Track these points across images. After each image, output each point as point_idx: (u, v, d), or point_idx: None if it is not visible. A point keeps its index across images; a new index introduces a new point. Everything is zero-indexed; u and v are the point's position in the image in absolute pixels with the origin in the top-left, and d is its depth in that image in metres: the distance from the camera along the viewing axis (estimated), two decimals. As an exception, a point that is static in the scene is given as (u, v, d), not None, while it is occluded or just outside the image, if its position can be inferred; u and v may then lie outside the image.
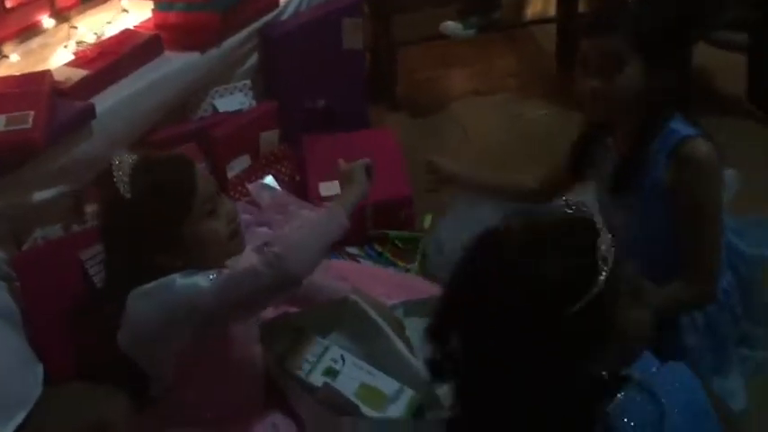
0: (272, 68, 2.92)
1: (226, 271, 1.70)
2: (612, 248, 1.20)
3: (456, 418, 1.33)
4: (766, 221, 2.13)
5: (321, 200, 2.73)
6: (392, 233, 2.79)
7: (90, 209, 2.39)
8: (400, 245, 2.82)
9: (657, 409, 1.26)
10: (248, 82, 2.86)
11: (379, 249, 2.80)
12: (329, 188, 2.77)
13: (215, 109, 2.77)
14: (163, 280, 1.66)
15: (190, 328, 1.66)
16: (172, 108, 2.65)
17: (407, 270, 2.68)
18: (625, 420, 1.26)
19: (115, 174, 1.67)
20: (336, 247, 2.72)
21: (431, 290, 2.34)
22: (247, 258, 1.88)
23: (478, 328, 1.25)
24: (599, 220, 1.24)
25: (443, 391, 1.93)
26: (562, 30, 3.85)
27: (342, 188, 1.85)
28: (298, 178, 2.88)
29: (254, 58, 2.88)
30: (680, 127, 1.88)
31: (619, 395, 1.27)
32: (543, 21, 4.10)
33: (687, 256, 1.94)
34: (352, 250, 2.77)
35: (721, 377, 2.08)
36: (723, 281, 2.01)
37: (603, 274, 1.17)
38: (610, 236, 1.22)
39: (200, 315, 1.64)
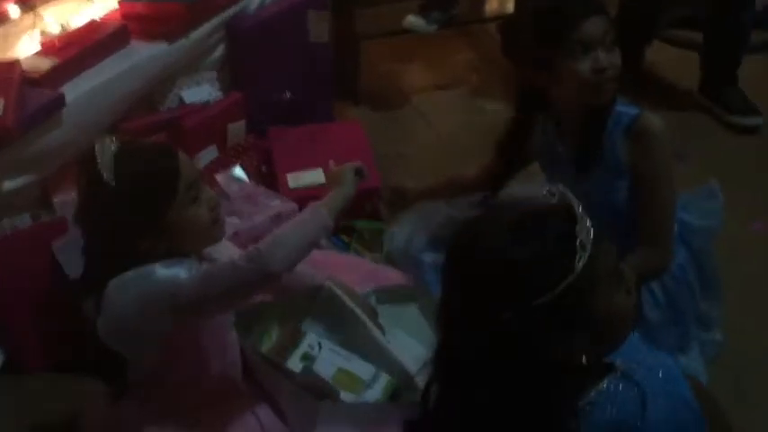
0: (238, 60, 2.92)
1: (206, 264, 1.72)
2: (591, 235, 1.22)
3: (433, 409, 1.36)
4: (710, 193, 2.22)
5: (290, 191, 2.76)
6: (359, 223, 2.81)
7: (58, 199, 2.39)
8: (366, 235, 2.84)
9: (639, 397, 1.27)
10: (214, 73, 2.86)
11: (346, 240, 2.82)
12: (297, 179, 2.80)
13: (182, 100, 2.77)
14: (143, 269, 1.67)
15: (170, 317, 1.67)
16: (139, 98, 2.63)
17: (375, 259, 2.70)
18: (607, 408, 1.27)
19: (99, 159, 1.67)
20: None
21: (400, 278, 2.37)
22: (224, 247, 1.91)
23: (462, 319, 1.28)
24: (578, 208, 1.26)
25: (421, 378, 1.98)
26: (504, 24, 3.90)
27: (330, 189, 1.87)
28: (264, 169, 2.89)
29: (220, 50, 2.88)
30: (625, 108, 2.00)
31: (602, 383, 1.29)
32: (503, 17, 4.16)
33: (645, 225, 2.03)
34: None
35: (682, 355, 2.16)
36: (678, 255, 2.10)
37: (581, 260, 1.19)
38: (589, 223, 1.24)
39: (179, 306, 1.65)
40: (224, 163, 2.75)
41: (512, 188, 2.54)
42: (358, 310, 2.06)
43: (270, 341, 1.96)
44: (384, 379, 1.94)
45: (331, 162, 1.91)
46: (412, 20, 3.71)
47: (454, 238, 1.32)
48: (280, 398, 1.88)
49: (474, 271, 1.25)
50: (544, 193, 1.28)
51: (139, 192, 1.67)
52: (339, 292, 2.08)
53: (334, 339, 2.05)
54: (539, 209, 1.27)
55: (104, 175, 1.66)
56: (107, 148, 1.69)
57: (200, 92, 2.80)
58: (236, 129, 2.81)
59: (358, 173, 1.90)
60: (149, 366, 1.80)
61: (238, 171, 2.73)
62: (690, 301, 2.17)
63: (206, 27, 2.78)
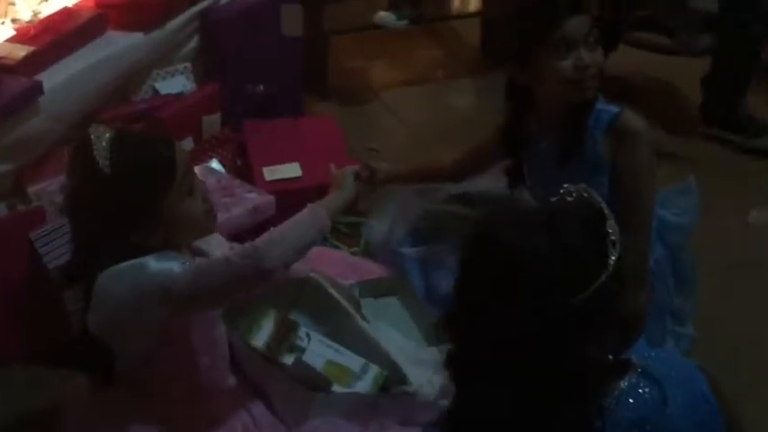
0: (212, 52, 2.90)
1: (199, 258, 1.70)
2: (619, 234, 1.22)
3: (456, 407, 1.33)
4: (687, 190, 2.27)
5: (266, 184, 2.75)
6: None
7: (33, 188, 2.34)
8: (344, 229, 2.85)
9: (660, 395, 1.27)
10: (189, 65, 2.84)
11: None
12: (273, 173, 2.79)
13: (156, 91, 2.74)
14: (136, 261, 1.64)
15: (162, 310, 1.66)
16: (115, 88, 2.60)
17: (353, 253, 2.71)
18: (629, 405, 1.26)
19: (95, 147, 1.64)
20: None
21: (381, 271, 2.38)
22: (215, 240, 1.89)
23: (487, 319, 1.24)
24: (605, 206, 1.25)
25: (410, 370, 1.99)
26: (486, 23, 3.94)
27: (331, 191, 1.87)
28: (239, 162, 2.88)
29: (194, 41, 2.86)
30: (605, 106, 2.03)
31: (622, 380, 1.28)
32: (470, 15, 4.20)
33: (624, 222, 2.05)
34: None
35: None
36: (655, 251, 2.15)
37: (614, 258, 1.19)
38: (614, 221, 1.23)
39: (172, 299, 1.63)
40: (199, 155, 2.73)
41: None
42: (344, 302, 2.06)
43: (258, 333, 1.95)
44: (373, 370, 1.94)
45: (331, 165, 1.90)
46: (383, 15, 3.72)
47: (476, 237, 1.27)
48: (271, 390, 1.87)
49: (504, 270, 1.21)
50: (561, 191, 1.28)
51: (136, 180, 1.65)
52: (325, 283, 2.08)
53: (321, 330, 2.04)
54: (564, 206, 1.26)
55: (100, 162, 1.63)
56: (102, 136, 1.66)
57: (175, 83, 2.77)
58: (212, 121, 2.79)
59: (357, 175, 1.89)
60: (138, 359, 1.77)
61: (215, 164, 2.71)
62: (667, 296, 2.22)
63: (181, 18, 2.76)
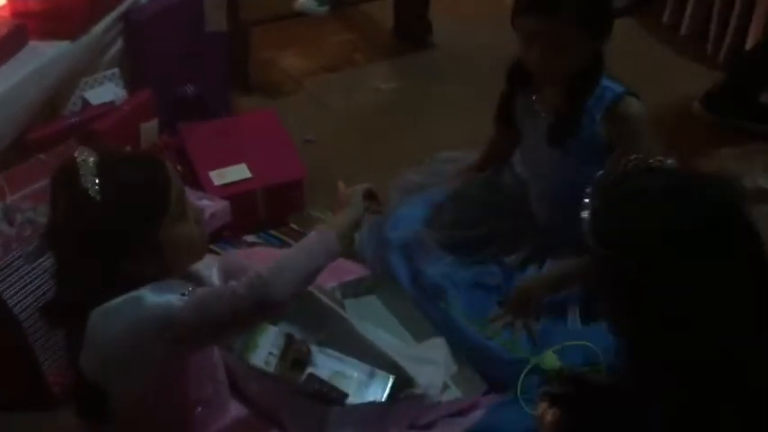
0: (138, 55, 2.74)
1: (201, 289, 1.57)
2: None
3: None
4: None
5: (216, 189, 2.62)
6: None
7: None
8: (296, 227, 2.75)
9: None
10: (117, 70, 2.66)
11: (276, 234, 2.72)
12: (222, 176, 2.66)
13: (86, 102, 2.56)
14: (130, 296, 1.51)
15: (162, 347, 1.52)
16: (43, 103, 2.42)
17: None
18: None
19: (81, 172, 1.50)
20: (232, 239, 2.63)
21: (358, 270, 2.31)
22: (205, 261, 1.76)
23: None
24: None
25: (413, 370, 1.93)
26: (399, 6, 3.87)
27: (337, 211, 1.74)
28: (181, 169, 2.72)
29: (119, 45, 2.69)
30: (611, 84, 1.99)
31: None
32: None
33: None
34: (250, 238, 2.67)
35: None
36: None
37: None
38: None
39: (173, 336, 1.50)
40: (141, 166, 2.57)
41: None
42: (334, 306, 1.98)
43: (256, 351, 1.85)
44: (380, 376, 1.88)
45: (340, 183, 1.77)
46: (303, 2, 3.61)
47: (608, 211, 1.26)
48: (282, 410, 1.77)
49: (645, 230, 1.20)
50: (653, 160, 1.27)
51: (129, 205, 1.52)
52: (313, 289, 1.99)
53: (314, 339, 1.96)
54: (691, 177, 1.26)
55: (88, 188, 1.49)
56: (88, 159, 1.52)
57: (105, 91, 2.60)
58: (149, 129, 2.63)
59: (368, 195, 1.76)
60: (135, 397, 1.63)
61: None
62: None
63: (105, 21, 2.58)
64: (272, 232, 2.71)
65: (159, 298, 1.51)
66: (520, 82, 2.10)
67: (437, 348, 2.07)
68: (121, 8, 2.65)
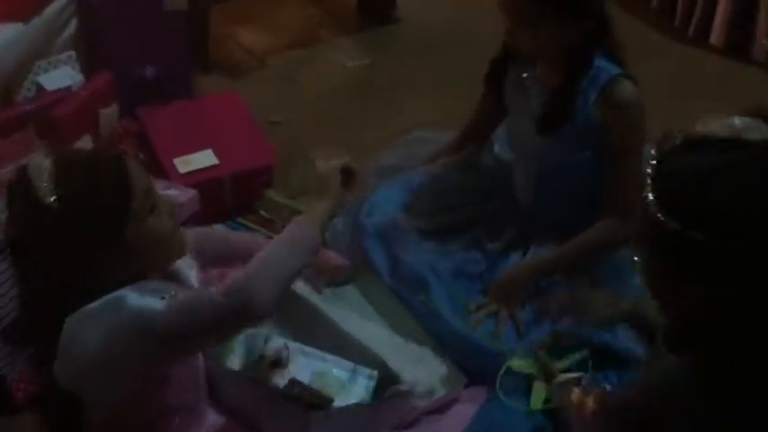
0: (94, 37, 2.61)
1: (181, 294, 1.48)
2: None
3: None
4: None
5: (182, 177, 2.50)
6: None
7: None
8: (265, 214, 2.65)
9: None
10: (73, 53, 2.53)
11: (245, 222, 2.61)
12: (187, 164, 2.54)
13: (41, 87, 2.43)
14: (109, 299, 1.43)
15: (144, 351, 1.44)
16: (-2, 89, 2.30)
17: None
18: None
19: (34, 181, 1.40)
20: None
21: (336, 259, 2.21)
22: (189, 263, 1.67)
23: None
24: None
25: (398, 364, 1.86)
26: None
27: (315, 197, 1.63)
28: (143, 156, 2.61)
29: (73, 26, 2.56)
30: (606, 65, 1.93)
31: None
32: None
33: (608, 194, 1.98)
34: (218, 228, 2.57)
35: None
36: None
37: None
38: None
39: (156, 342, 1.42)
40: (102, 154, 2.45)
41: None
42: (313, 299, 1.89)
43: (232, 354, 1.76)
44: (364, 374, 1.80)
45: (316, 159, 1.65)
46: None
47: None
48: (262, 416, 1.68)
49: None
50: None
51: (89, 209, 1.42)
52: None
53: (290, 334, 1.87)
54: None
55: (44, 197, 1.39)
56: (41, 166, 1.42)
57: (61, 76, 2.48)
58: (109, 114, 2.51)
59: (346, 172, 1.65)
60: (114, 405, 1.54)
61: (123, 162, 2.44)
62: None
63: (59, 1, 2.45)
64: (241, 220, 2.60)
65: (139, 301, 1.43)
66: (513, 53, 2.02)
67: (424, 346, 2.00)
68: (75, -13, 2.52)
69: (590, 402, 1.43)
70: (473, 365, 1.99)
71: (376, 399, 1.78)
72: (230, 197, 2.61)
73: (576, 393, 1.45)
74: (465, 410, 1.88)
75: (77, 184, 1.43)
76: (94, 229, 1.43)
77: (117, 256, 1.45)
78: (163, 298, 1.43)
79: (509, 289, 2.05)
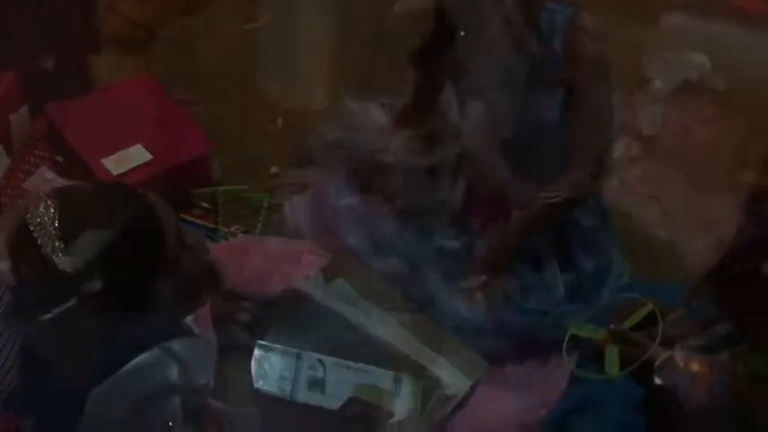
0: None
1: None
2: None
3: None
4: None
5: (115, 179, 2.21)
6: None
7: None
8: (208, 206, 2.41)
9: None
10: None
11: (188, 218, 2.36)
12: (118, 163, 2.26)
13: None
14: (129, 368, 1.22)
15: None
16: None
17: (245, 233, 2.30)
18: None
19: (41, 240, 1.13)
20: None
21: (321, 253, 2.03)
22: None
23: None
24: None
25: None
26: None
27: None
28: (60, 159, 2.29)
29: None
30: (559, 7, 1.83)
31: None
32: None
33: (576, 142, 1.91)
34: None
35: None
36: None
37: None
38: None
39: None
40: (21, 166, 2.12)
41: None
42: (332, 306, 1.72)
43: (266, 378, 1.56)
44: (406, 382, 1.64)
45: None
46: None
47: None
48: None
49: None
50: None
51: (112, 268, 1.16)
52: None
53: (310, 347, 1.69)
54: None
55: (56, 261, 1.13)
56: (48, 216, 1.15)
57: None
58: (20, 119, 2.19)
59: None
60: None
61: (48, 173, 2.13)
62: None
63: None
64: (183, 216, 2.35)
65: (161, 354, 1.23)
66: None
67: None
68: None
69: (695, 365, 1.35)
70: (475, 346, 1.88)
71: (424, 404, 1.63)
72: (168, 192, 2.34)
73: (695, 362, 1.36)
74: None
75: (92, 241, 1.15)
76: (116, 290, 1.17)
77: (145, 310, 1.22)
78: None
79: (495, 257, 1.98)
